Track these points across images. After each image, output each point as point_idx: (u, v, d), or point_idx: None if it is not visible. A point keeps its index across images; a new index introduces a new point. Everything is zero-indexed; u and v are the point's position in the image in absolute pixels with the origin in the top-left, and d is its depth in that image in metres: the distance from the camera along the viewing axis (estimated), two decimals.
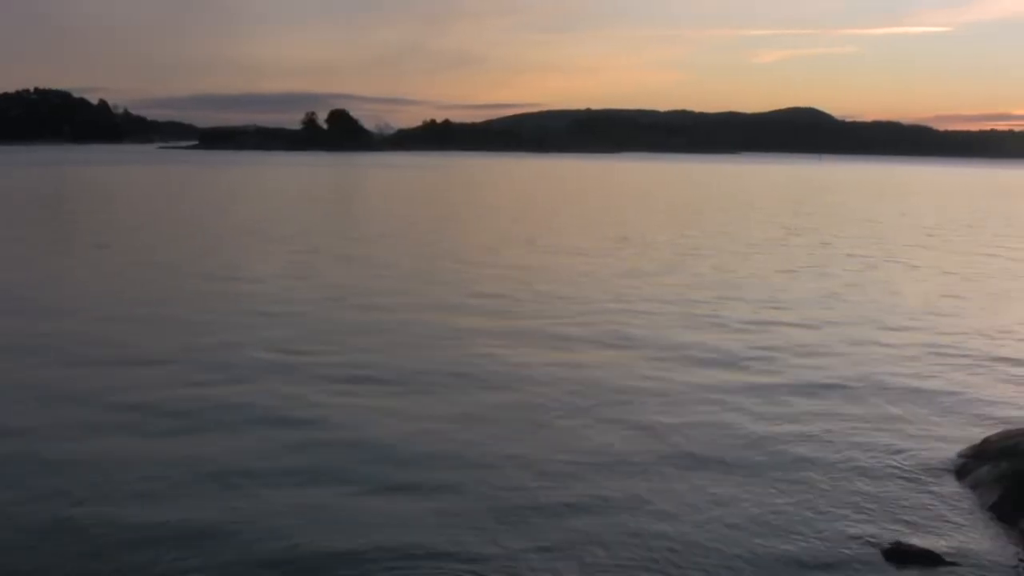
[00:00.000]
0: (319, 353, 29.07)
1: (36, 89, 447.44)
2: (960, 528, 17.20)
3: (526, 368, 27.79)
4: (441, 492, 18.26)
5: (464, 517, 17.08)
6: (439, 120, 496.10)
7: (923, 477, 19.74)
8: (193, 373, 26.43)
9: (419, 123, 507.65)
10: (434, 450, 20.61)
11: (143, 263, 48.23)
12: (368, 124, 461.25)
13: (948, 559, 15.83)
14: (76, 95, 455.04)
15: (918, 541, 16.36)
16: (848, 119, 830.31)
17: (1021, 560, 16.08)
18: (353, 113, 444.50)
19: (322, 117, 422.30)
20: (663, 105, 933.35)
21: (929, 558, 15.81)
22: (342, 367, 27.49)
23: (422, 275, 45.85)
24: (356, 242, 60.37)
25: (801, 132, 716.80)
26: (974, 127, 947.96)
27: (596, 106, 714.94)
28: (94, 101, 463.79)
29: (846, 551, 16.14)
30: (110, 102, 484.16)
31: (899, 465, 20.39)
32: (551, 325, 34.05)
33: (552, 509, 17.53)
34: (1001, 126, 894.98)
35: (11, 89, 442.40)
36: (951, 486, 19.29)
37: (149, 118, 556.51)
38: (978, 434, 21.77)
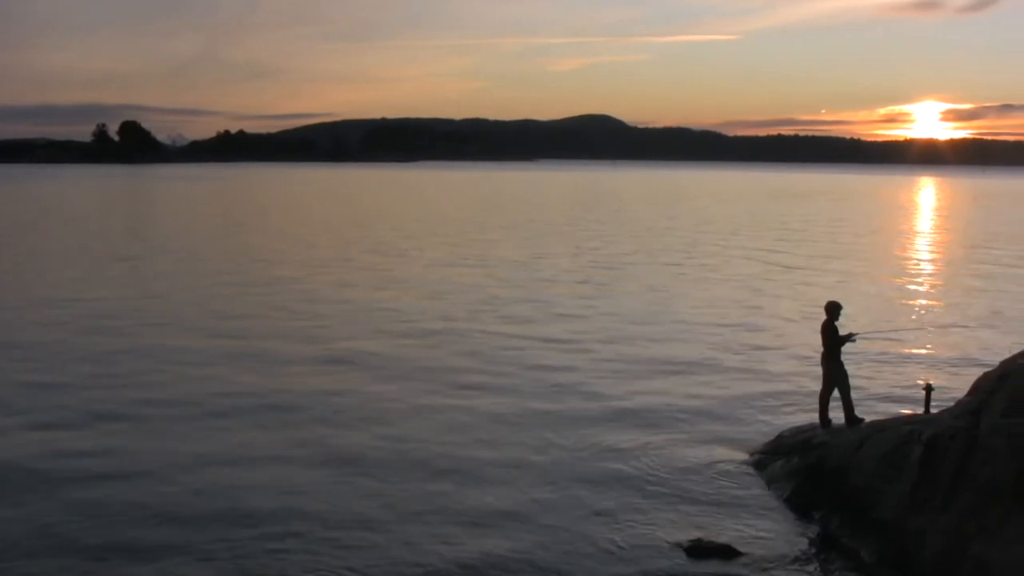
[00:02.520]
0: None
1: None
2: (757, 521, 17.99)
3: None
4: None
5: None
6: (233, 131, 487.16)
7: (721, 475, 20.52)
8: None
9: (213, 134, 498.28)
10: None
11: None
12: (160, 135, 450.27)
13: (746, 552, 16.56)
14: None
15: (718, 536, 17.07)
16: (641, 125, 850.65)
17: (813, 548, 16.93)
18: (145, 124, 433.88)
19: (113, 129, 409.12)
20: (459, 113, 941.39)
21: (728, 552, 16.51)
22: None
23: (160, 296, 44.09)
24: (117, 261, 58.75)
25: (595, 139, 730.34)
26: (762, 132, 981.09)
27: (391, 115, 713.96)
28: None
29: (649, 549, 16.72)
30: None
31: (697, 464, 21.14)
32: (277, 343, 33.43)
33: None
34: (787, 131, 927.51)
35: None
36: (748, 482, 20.12)
37: None
38: (772, 431, 22.73)
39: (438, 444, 22.22)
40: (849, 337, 20.65)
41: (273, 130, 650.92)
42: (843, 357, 20.80)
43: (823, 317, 20.77)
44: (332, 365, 30.01)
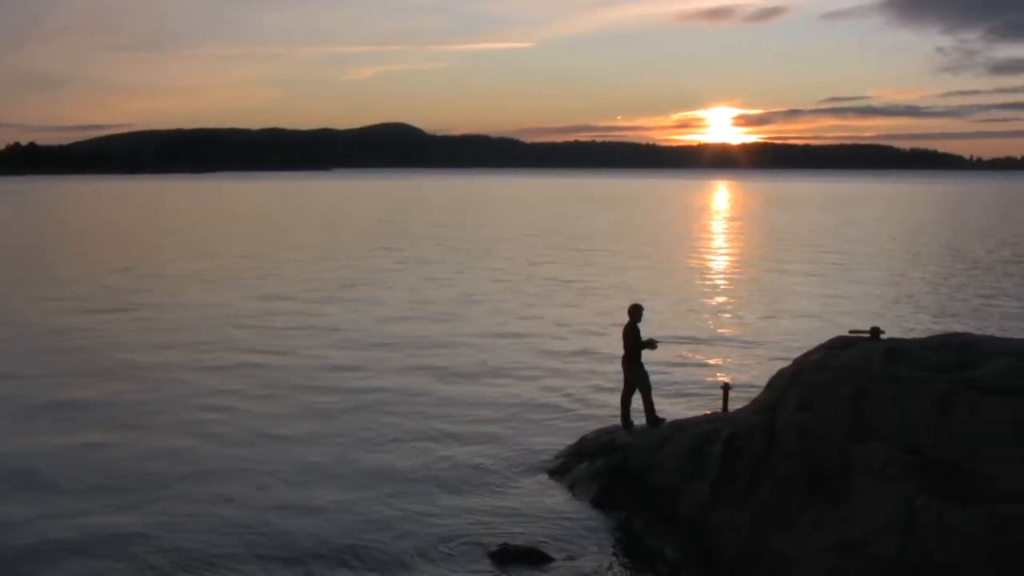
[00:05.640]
0: None
1: None
2: (563, 524, 18.06)
3: None
4: None
5: None
6: (24, 143, 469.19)
7: (526, 479, 20.58)
8: None
9: (2, 147, 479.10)
10: None
11: None
12: None
13: (552, 555, 16.59)
14: None
15: (524, 541, 17.06)
16: (439, 133, 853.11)
17: (619, 548, 17.09)
18: None
19: None
20: (257, 123, 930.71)
21: (535, 556, 16.52)
22: None
23: None
24: None
25: (394, 147, 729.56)
26: (559, 139, 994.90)
27: (188, 126, 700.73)
28: None
29: (455, 556, 16.64)
30: None
31: (501, 469, 21.17)
32: None
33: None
34: (584, 137, 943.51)
35: None
36: (553, 485, 20.21)
37: None
38: (575, 434, 22.86)
39: (236, 452, 21.81)
40: (650, 343, 20.95)
41: (67, 141, 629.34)
42: (643, 359, 21.07)
43: (620, 320, 20.99)
44: None
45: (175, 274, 56.86)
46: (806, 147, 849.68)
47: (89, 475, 20.66)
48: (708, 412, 22.02)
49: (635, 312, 21.02)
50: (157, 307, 43.74)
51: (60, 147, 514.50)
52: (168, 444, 22.93)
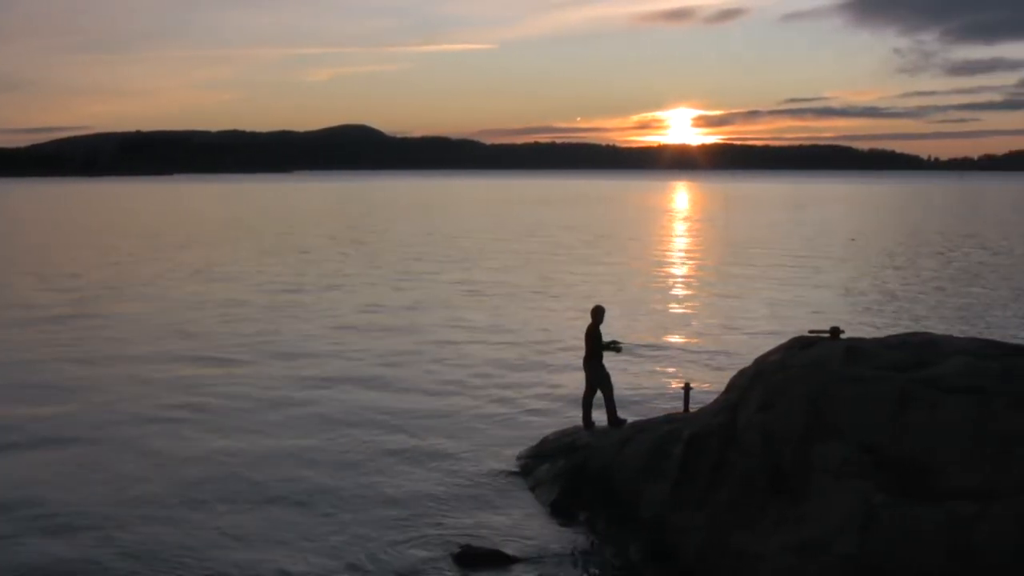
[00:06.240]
0: None
1: None
2: (525, 525, 18.08)
3: None
4: None
5: None
6: None
7: (487, 481, 20.57)
8: None
9: None
10: None
11: None
12: None
13: (515, 556, 16.60)
14: None
15: (486, 543, 17.05)
16: (398, 135, 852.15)
17: (581, 549, 17.12)
18: None
19: None
20: (216, 125, 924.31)
21: (497, 557, 16.53)
22: None
23: None
24: None
25: (354, 148, 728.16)
26: (519, 140, 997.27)
27: (147, 128, 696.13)
28: None
29: (417, 558, 16.59)
30: None
31: (462, 472, 21.14)
32: None
33: None
34: (544, 138, 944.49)
35: None
36: (515, 487, 20.21)
37: None
38: (536, 435, 22.88)
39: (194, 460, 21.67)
40: (613, 345, 21.03)
41: (23, 144, 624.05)
42: (604, 359, 21.13)
43: (580, 321, 21.04)
44: None
45: (118, 282, 56.46)
46: (765, 148, 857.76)
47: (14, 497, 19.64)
48: (669, 412, 22.09)
49: (597, 314, 21.11)
50: (94, 316, 43.15)
51: (18, 149, 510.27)
52: (98, 463, 22.03)
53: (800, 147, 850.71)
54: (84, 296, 48.30)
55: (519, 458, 21.67)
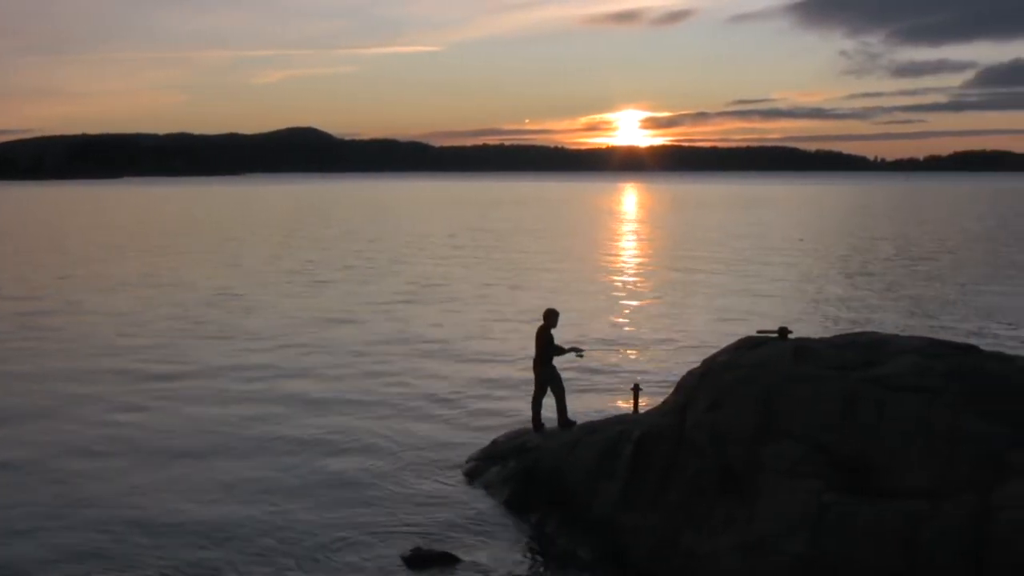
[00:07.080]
0: None
1: None
2: (476, 527, 18.01)
3: None
4: None
5: None
6: None
7: (438, 483, 20.48)
8: None
9: None
10: None
11: None
12: None
13: (466, 558, 16.54)
14: None
15: (438, 545, 16.97)
16: (347, 137, 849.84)
17: (532, 551, 17.08)
18: None
19: None
20: (163, 128, 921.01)
21: (448, 559, 16.46)
22: None
23: None
24: None
25: (303, 151, 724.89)
26: (468, 142, 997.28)
27: (93, 130, 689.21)
28: None
29: (367, 560, 16.50)
30: None
31: (412, 473, 21.03)
32: None
33: None
34: (493, 140, 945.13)
35: None
36: (465, 489, 20.14)
37: None
38: (486, 437, 22.82)
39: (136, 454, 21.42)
40: (575, 350, 21.08)
41: None
42: (555, 360, 21.10)
43: (531, 322, 21.01)
44: None
45: (58, 283, 55.88)
46: (713, 149, 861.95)
47: None
48: (619, 413, 22.10)
49: (549, 316, 21.07)
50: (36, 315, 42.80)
51: None
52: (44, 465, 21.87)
53: (748, 148, 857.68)
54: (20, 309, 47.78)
55: (469, 460, 21.59)
